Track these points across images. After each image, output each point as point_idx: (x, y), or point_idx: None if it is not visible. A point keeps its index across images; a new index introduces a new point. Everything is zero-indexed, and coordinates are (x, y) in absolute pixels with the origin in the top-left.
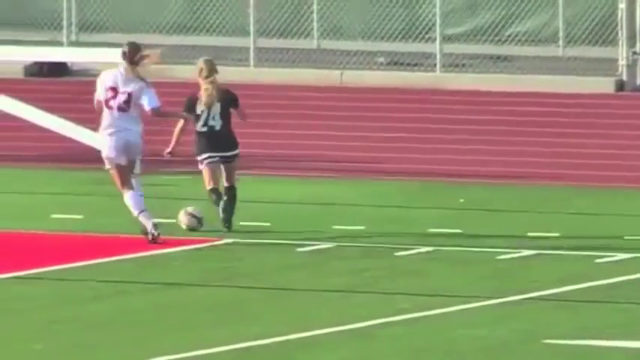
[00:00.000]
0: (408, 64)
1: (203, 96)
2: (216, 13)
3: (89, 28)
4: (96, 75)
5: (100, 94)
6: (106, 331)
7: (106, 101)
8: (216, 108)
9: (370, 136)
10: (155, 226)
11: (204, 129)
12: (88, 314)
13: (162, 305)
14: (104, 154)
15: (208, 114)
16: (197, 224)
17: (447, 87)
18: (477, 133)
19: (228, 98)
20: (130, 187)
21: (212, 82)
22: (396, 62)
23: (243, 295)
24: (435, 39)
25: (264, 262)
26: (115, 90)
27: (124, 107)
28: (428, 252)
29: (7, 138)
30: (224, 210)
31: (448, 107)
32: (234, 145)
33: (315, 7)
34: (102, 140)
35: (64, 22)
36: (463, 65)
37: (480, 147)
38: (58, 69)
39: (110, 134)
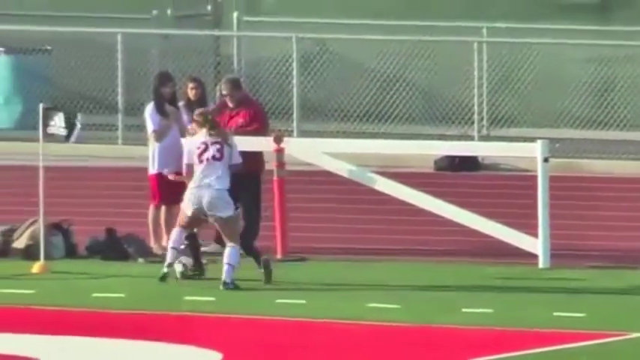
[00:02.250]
0: None
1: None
2: (627, 107)
3: (500, 122)
4: (507, 169)
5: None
6: None
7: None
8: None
9: None
10: (169, 265)
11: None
12: None
13: None
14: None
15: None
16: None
17: None
18: None
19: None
20: (184, 228)
21: None
22: None
23: None
24: None
25: None
26: (205, 144)
27: (218, 157)
28: None
29: (416, 232)
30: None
31: None
32: None
33: None
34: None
35: (475, 117)
36: None
37: None
38: (469, 163)
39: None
